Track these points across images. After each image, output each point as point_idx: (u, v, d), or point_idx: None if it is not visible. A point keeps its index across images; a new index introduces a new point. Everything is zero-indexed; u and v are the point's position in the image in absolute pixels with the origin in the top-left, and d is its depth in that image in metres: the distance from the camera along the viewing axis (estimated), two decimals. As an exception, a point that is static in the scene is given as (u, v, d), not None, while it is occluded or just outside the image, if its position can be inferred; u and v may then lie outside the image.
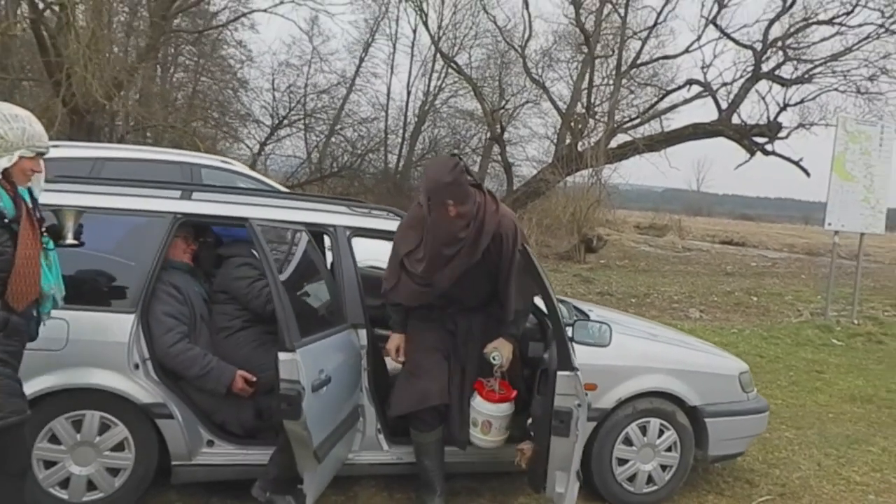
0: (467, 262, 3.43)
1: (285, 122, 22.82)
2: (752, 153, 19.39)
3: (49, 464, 3.32)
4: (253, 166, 17.40)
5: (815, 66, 18.50)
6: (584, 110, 20.79)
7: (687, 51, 20.26)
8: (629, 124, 20.87)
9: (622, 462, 3.97)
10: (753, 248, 27.45)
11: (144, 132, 18.54)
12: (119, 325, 3.35)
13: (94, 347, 3.29)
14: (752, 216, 60.34)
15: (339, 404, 3.27)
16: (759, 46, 18.63)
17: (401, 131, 25.30)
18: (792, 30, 18.43)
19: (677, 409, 4.03)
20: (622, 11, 20.15)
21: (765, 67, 18.83)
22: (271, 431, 3.48)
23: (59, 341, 3.22)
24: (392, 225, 3.99)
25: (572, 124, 20.57)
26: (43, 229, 2.81)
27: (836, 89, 18.22)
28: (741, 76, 19.20)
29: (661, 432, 4.01)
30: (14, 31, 11.85)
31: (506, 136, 23.23)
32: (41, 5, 13.53)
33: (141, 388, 3.35)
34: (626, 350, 3.91)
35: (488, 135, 25.33)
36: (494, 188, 27.83)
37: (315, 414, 2.92)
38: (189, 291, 3.58)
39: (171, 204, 3.62)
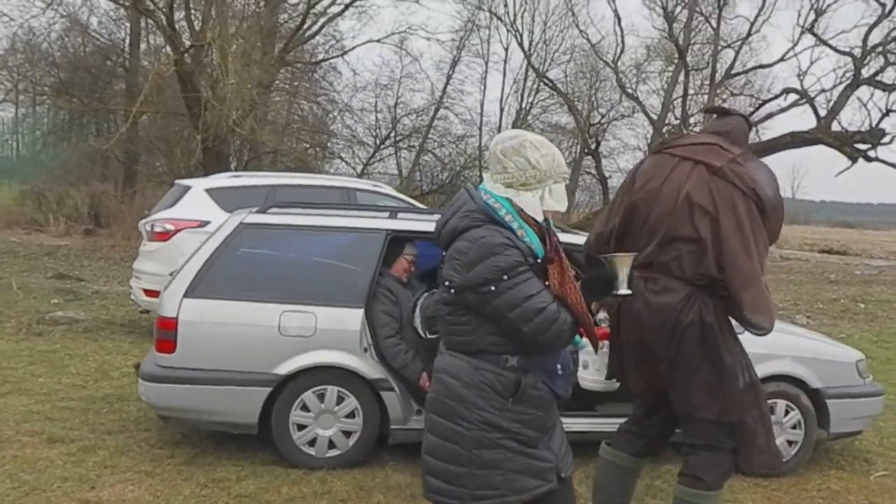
0: None
1: (387, 142, 24.11)
2: (854, 160, 19.31)
3: (300, 427, 4.29)
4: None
5: (918, 70, 18.40)
6: (677, 121, 21.18)
7: (782, 59, 20.49)
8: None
9: (754, 437, 4.64)
10: (856, 257, 26.95)
11: (262, 157, 20.02)
12: (352, 317, 4.28)
13: (336, 335, 4.24)
14: (852, 223, 58.17)
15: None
16: (858, 52, 18.65)
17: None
18: (893, 34, 18.39)
19: (801, 392, 4.69)
20: (714, 22, 20.53)
21: (865, 73, 18.81)
22: None
23: (310, 329, 4.19)
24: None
25: (666, 134, 20.96)
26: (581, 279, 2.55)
27: (941, 93, 18.06)
28: (840, 83, 19.25)
29: (787, 412, 4.67)
30: (168, 72, 13.38)
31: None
32: (183, 47, 15.19)
33: (369, 367, 4.28)
34: (753, 338, 4.58)
35: (578, 148, 25.92)
36: (586, 200, 28.41)
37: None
38: (400, 295, 4.47)
39: (384, 222, 4.56)
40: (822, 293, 14.85)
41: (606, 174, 23.50)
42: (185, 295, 4.20)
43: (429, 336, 3.92)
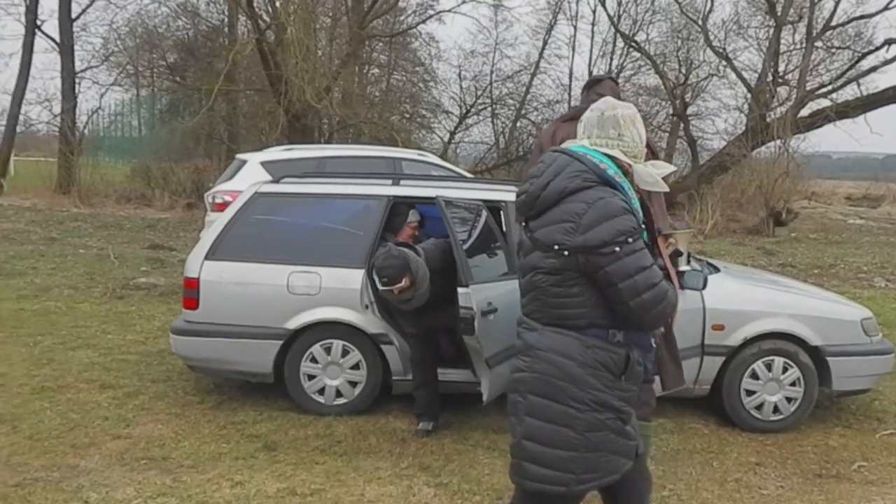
0: None
1: (472, 110, 24.23)
2: (965, 113, 18.02)
3: (310, 377, 4.72)
4: (444, 154, 19.01)
5: None
6: (771, 79, 20.25)
7: (887, 8, 19.18)
8: (822, 91, 20.07)
9: (750, 393, 4.72)
10: None
11: (348, 129, 20.65)
12: (353, 277, 4.66)
13: (338, 293, 4.63)
14: None
15: (507, 331, 4.25)
16: (970, -4, 17.29)
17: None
18: None
19: (800, 349, 4.71)
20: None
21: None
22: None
23: (315, 287, 4.60)
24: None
25: (760, 94, 20.09)
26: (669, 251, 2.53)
27: None
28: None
29: (784, 369, 4.71)
30: (245, 51, 14.11)
31: (695, 109, 23.19)
32: (262, 25, 15.93)
33: (369, 322, 4.65)
34: (749, 296, 4.67)
35: (671, 111, 25.26)
36: (681, 163, 27.71)
37: (484, 331, 3.94)
38: None
39: (386, 189, 4.89)
40: (917, 256, 14.07)
41: (697, 135, 22.86)
42: (206, 257, 4.70)
43: (380, 287, 4.12)
